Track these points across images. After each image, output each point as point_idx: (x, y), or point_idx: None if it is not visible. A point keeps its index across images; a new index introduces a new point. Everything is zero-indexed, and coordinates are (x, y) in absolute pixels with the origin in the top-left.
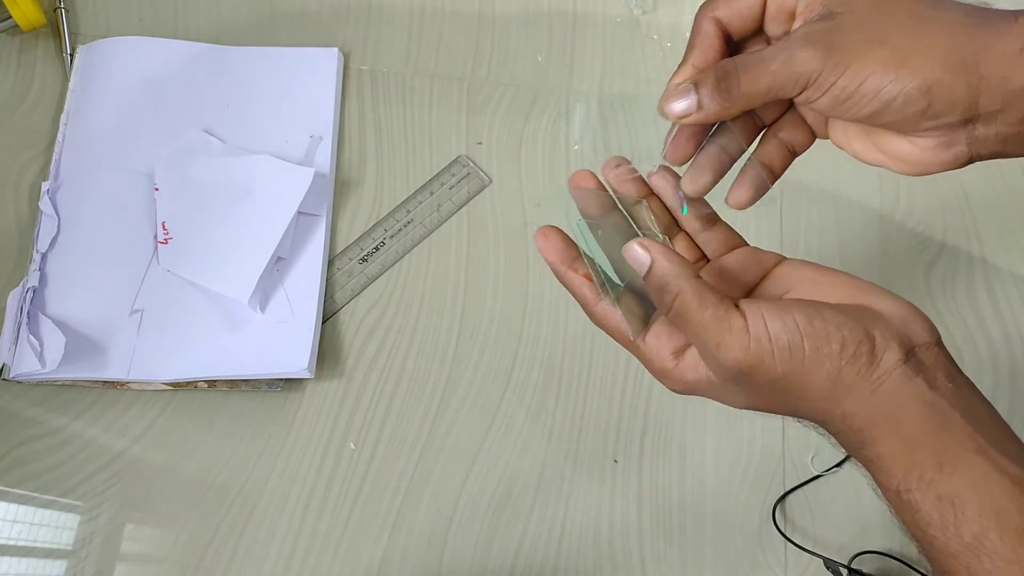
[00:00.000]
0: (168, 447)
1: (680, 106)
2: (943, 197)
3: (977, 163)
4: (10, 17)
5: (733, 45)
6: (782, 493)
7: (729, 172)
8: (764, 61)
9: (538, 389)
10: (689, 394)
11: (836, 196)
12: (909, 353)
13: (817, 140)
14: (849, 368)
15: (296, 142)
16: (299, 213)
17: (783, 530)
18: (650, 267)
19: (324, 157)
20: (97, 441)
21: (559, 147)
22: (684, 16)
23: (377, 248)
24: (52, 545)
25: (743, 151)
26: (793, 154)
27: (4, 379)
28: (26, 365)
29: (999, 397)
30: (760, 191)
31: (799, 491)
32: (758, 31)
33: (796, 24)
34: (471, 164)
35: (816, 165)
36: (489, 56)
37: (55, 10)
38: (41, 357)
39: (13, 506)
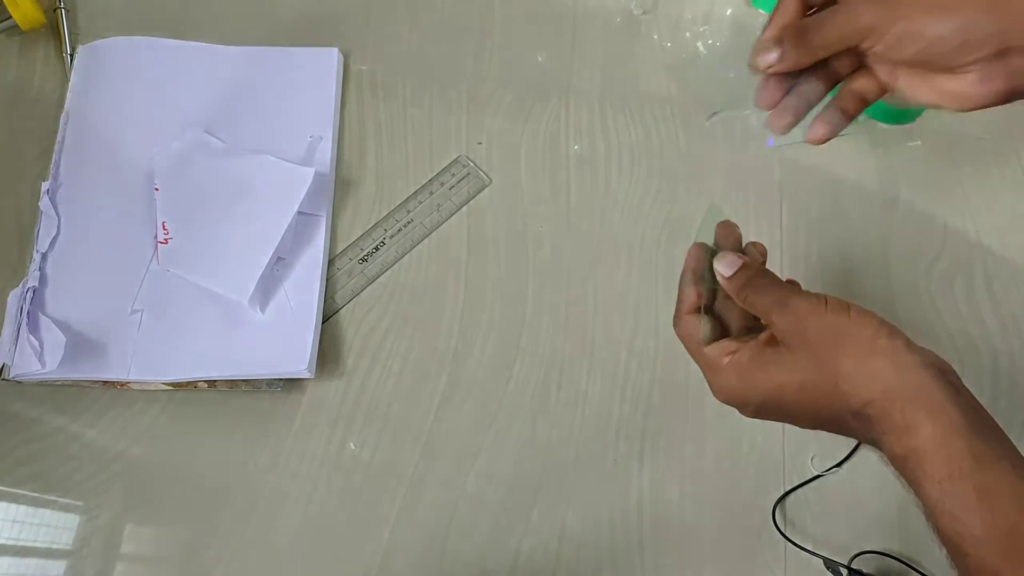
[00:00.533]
0: (168, 447)
1: (768, 58)
2: (943, 197)
3: (977, 165)
4: (10, 17)
5: (811, 11)
6: (782, 493)
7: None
8: (833, 17)
9: (538, 389)
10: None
11: (836, 196)
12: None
13: (814, 146)
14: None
15: (296, 142)
16: (299, 213)
17: (783, 530)
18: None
19: (324, 157)
20: (97, 441)
21: (559, 147)
22: (684, 16)
23: (377, 248)
24: (52, 545)
25: (821, 98)
26: (865, 102)
27: (4, 379)
28: (26, 365)
29: (999, 397)
30: (835, 129)
31: (799, 491)
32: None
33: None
34: (471, 164)
35: (816, 165)
36: (489, 56)
37: (55, 10)
38: (41, 357)
39: (13, 506)
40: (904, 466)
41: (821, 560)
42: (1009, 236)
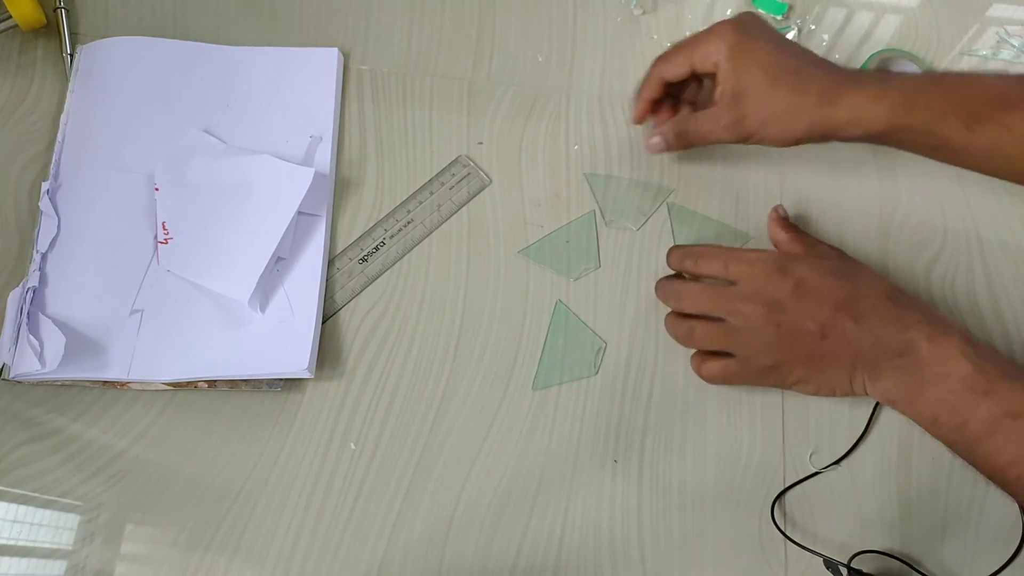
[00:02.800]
0: (168, 447)
1: (656, 148)
2: (943, 197)
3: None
4: (10, 17)
5: (670, 85)
6: (780, 490)
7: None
8: (703, 122)
9: (539, 389)
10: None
11: (836, 196)
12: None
13: (820, 145)
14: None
15: (296, 142)
16: (299, 213)
17: (783, 529)
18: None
19: (324, 157)
20: (97, 441)
21: (559, 147)
22: (684, 16)
23: (377, 248)
24: (52, 545)
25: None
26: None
27: (4, 379)
28: (26, 365)
29: None
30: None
31: (799, 489)
32: (686, 81)
33: (717, 92)
34: (471, 164)
35: (816, 165)
36: (489, 56)
37: (55, 10)
38: (41, 357)
39: (13, 506)
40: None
41: (821, 559)
42: (1009, 236)
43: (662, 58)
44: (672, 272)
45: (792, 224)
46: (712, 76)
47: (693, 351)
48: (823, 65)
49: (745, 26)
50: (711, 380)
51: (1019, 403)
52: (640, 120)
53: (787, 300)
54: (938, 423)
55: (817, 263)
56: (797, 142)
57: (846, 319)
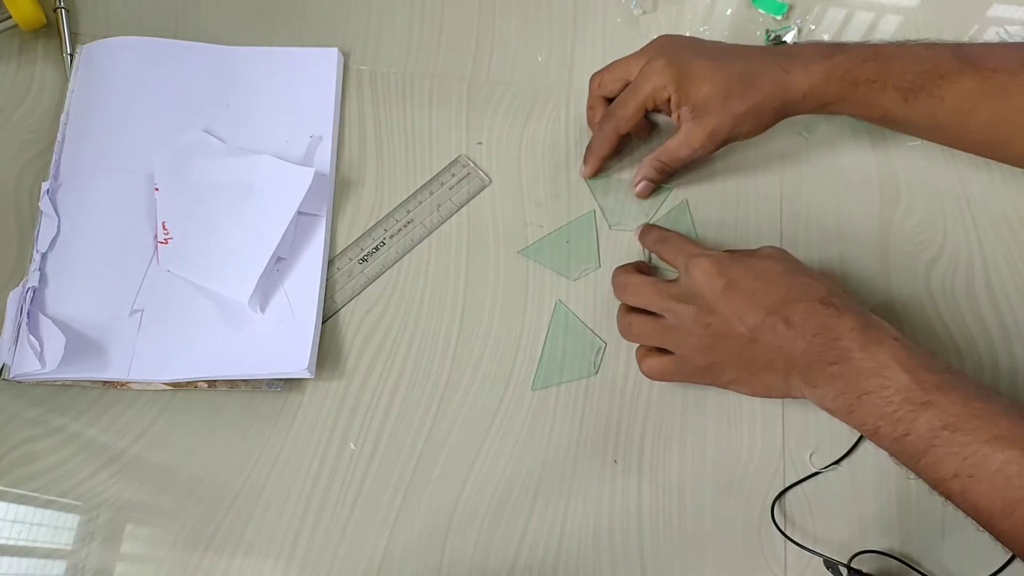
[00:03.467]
0: (168, 447)
1: (646, 191)
2: (943, 197)
3: (977, 165)
4: (10, 17)
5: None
6: (780, 490)
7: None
8: (677, 149)
9: (538, 389)
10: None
11: (836, 196)
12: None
13: (820, 145)
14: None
15: (296, 142)
16: (299, 213)
17: (783, 529)
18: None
19: (324, 157)
20: (97, 441)
21: (559, 147)
22: (684, 16)
23: (377, 248)
24: (52, 545)
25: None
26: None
27: (4, 379)
28: (26, 365)
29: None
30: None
31: (799, 489)
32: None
33: (677, 114)
34: (471, 164)
35: (817, 165)
36: (489, 56)
37: (55, 10)
38: (41, 357)
39: (13, 506)
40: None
41: (821, 559)
42: (1009, 236)
43: (610, 113)
44: (636, 260)
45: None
46: (661, 108)
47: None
48: (761, 56)
49: (673, 50)
50: (650, 376)
51: (957, 414)
52: (591, 176)
53: (717, 301)
54: (879, 434)
55: (753, 264)
56: (767, 128)
57: (776, 323)
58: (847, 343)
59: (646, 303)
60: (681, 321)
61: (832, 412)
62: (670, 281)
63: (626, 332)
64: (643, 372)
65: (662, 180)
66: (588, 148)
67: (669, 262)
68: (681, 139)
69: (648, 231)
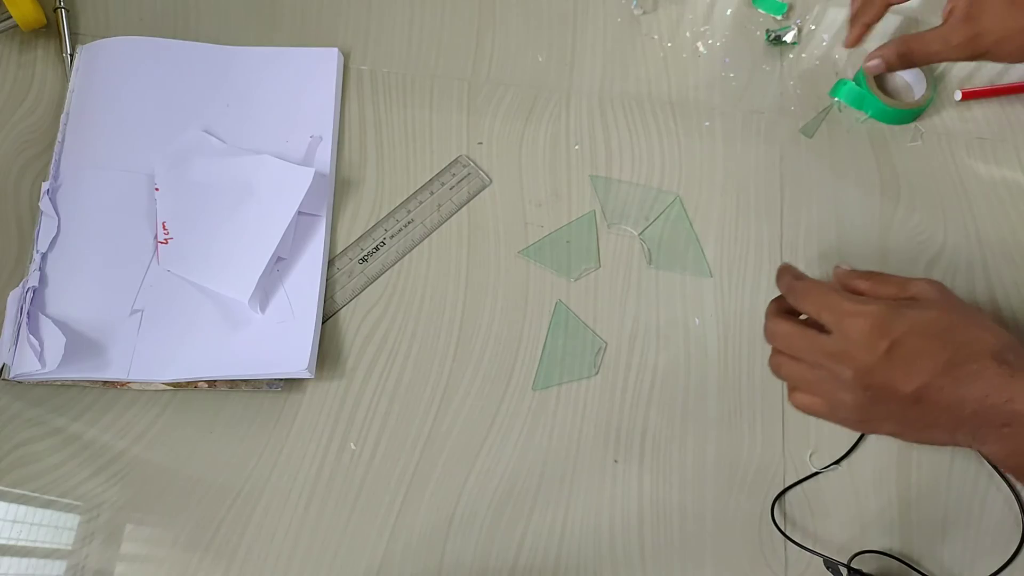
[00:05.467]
0: (168, 447)
1: (876, 69)
2: (943, 197)
3: (978, 164)
4: (10, 17)
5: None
6: (780, 490)
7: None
8: (930, 41)
9: (539, 389)
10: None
11: (836, 196)
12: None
13: (820, 146)
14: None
15: (296, 142)
16: (299, 213)
17: (783, 529)
18: None
19: (324, 157)
20: (97, 441)
21: (559, 147)
22: (685, 16)
23: (377, 248)
24: (52, 545)
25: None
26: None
27: (4, 379)
28: (26, 365)
29: None
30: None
31: (799, 489)
32: None
33: (947, 8)
34: (471, 164)
35: (817, 165)
36: (489, 56)
37: (55, 10)
38: (41, 357)
39: (13, 506)
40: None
41: (821, 559)
42: (1009, 236)
43: None
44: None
45: (866, 273)
46: None
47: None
48: None
49: None
50: (798, 408)
51: None
52: (854, 45)
53: (878, 365)
54: None
55: (916, 319)
56: None
57: (944, 385)
58: (1020, 407)
59: (796, 353)
60: (837, 379)
61: (1004, 468)
62: (823, 335)
63: (776, 371)
64: (791, 403)
65: (899, 68)
66: (853, 17)
67: (811, 315)
68: (939, 33)
69: (784, 283)
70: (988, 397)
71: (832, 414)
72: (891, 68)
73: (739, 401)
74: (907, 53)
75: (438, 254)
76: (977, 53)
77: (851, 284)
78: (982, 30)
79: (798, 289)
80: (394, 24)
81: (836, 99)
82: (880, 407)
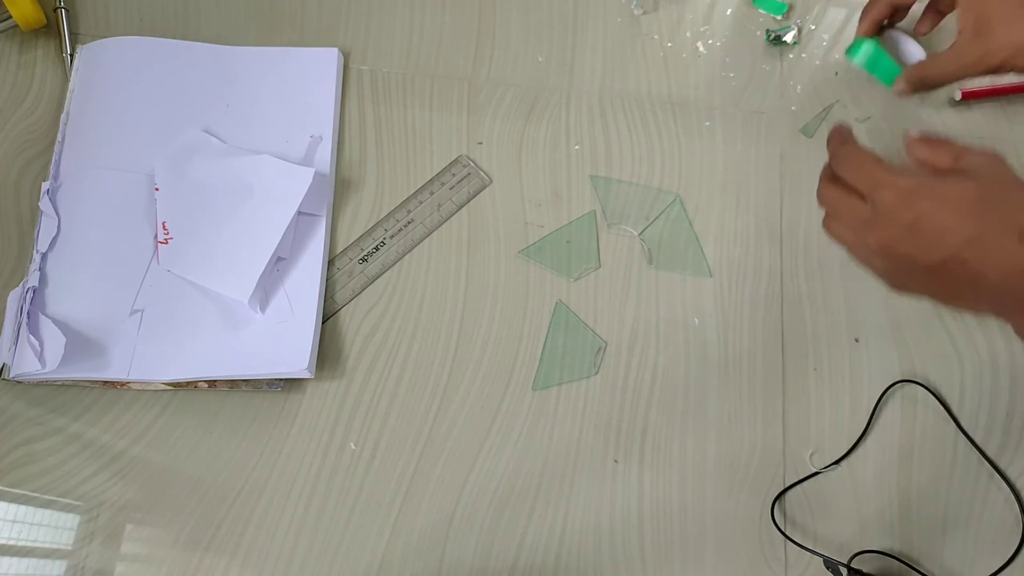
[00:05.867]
0: (168, 447)
1: (904, 93)
2: None
3: None
4: (10, 17)
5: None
6: (780, 490)
7: None
8: (945, 63)
9: (539, 389)
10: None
11: None
12: None
13: (820, 146)
14: None
15: (296, 142)
16: (299, 213)
17: (783, 529)
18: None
19: (324, 157)
20: (97, 441)
21: (559, 147)
22: (685, 16)
23: (377, 248)
24: (52, 545)
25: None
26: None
27: (4, 379)
28: (26, 365)
29: (999, 397)
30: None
31: (799, 489)
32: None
33: (959, 25)
34: (471, 164)
35: (817, 165)
36: (489, 56)
37: (55, 10)
38: (41, 357)
39: (13, 506)
40: None
41: (821, 559)
42: None
43: None
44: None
45: (936, 139)
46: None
47: None
48: None
49: None
50: (829, 235)
51: None
52: (865, 35)
53: (901, 236)
54: None
55: (948, 193)
56: None
57: (967, 258)
58: None
59: (840, 218)
60: (867, 246)
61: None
62: (860, 202)
63: (826, 232)
64: (824, 227)
65: (923, 91)
66: (864, 10)
67: (849, 183)
68: (952, 55)
69: (831, 139)
70: (1010, 276)
71: (874, 274)
72: (917, 92)
73: (739, 401)
74: (925, 79)
75: (438, 254)
76: (992, 68)
77: (912, 152)
78: (993, 46)
79: (839, 155)
80: (394, 24)
81: (851, 60)
82: (905, 276)
